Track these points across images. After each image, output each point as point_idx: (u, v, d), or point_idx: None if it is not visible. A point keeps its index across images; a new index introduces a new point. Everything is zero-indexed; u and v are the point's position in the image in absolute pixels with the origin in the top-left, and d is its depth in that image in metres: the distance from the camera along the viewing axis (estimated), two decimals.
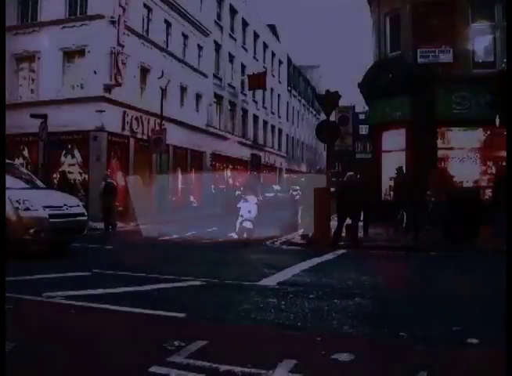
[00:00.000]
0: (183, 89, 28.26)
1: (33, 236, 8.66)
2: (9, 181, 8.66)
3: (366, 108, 31.13)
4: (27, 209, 8.65)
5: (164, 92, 22.33)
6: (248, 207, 12.37)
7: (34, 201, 8.82)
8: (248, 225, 12.20)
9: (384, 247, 10.77)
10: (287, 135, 53.73)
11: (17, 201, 8.59)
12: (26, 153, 22.41)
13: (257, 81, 31.93)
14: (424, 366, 3.53)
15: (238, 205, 12.66)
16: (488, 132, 16.13)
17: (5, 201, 7.97)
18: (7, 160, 10.74)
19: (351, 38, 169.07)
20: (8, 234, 8.12)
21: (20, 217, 8.57)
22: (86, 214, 9.91)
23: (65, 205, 9.44)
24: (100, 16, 21.02)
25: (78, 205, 9.92)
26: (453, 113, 15.94)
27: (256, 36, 42.34)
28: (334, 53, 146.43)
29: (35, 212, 8.75)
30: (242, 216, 12.30)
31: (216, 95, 33.38)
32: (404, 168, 14.80)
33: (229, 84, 35.69)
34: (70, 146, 21.59)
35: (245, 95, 37.49)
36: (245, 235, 12.29)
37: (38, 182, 10.81)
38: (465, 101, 15.88)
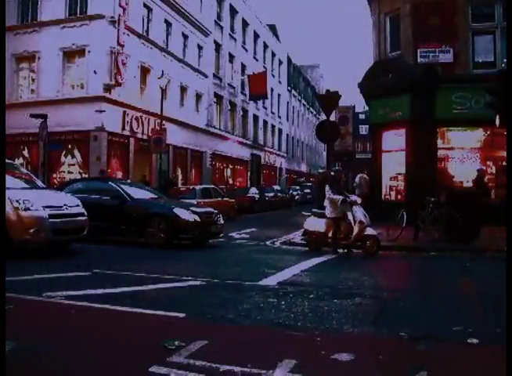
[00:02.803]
0: (183, 89, 28.27)
1: (33, 236, 8.64)
2: (9, 181, 8.67)
3: (366, 108, 31.18)
4: (27, 209, 8.64)
5: (164, 92, 22.34)
6: None
7: (34, 201, 8.80)
8: None
9: (384, 247, 10.73)
10: (287, 135, 53.73)
11: (17, 201, 8.58)
12: (26, 153, 22.44)
13: (258, 84, 31.87)
14: (424, 366, 3.52)
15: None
16: (488, 132, 16.13)
17: (5, 201, 7.98)
18: (7, 160, 10.73)
19: (351, 38, 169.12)
20: (8, 234, 8.14)
21: (20, 217, 8.55)
22: (86, 214, 9.89)
23: (65, 205, 9.42)
24: (100, 16, 21.06)
25: (78, 205, 9.90)
26: (453, 113, 15.93)
27: (256, 36, 42.34)
28: (334, 53, 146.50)
29: (35, 212, 8.73)
30: None
31: (216, 95, 33.38)
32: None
33: (229, 84, 35.69)
34: (70, 146, 21.63)
35: (245, 95, 37.48)
36: None
37: (38, 182, 10.80)
38: (465, 101, 15.87)
